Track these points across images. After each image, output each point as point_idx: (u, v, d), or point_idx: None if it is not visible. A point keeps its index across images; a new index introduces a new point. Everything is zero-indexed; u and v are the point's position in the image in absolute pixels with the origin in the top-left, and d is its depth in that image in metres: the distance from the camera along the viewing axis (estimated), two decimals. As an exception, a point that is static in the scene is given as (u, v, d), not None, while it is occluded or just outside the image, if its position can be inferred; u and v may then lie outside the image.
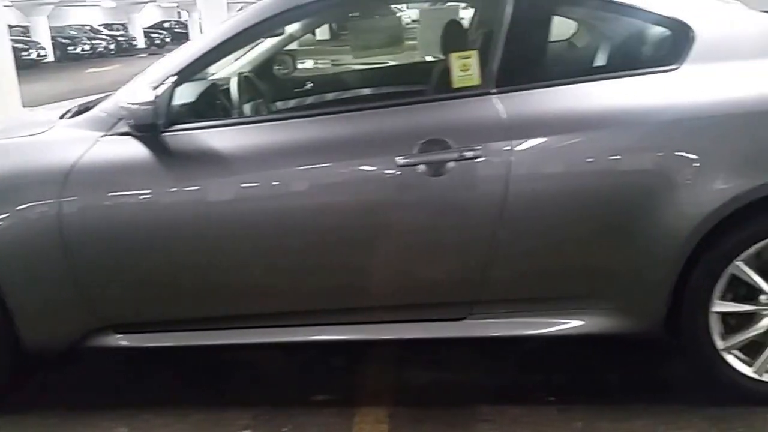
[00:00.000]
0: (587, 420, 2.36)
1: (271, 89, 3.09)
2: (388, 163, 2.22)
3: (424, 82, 2.84)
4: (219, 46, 2.35)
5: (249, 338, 2.40)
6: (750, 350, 2.36)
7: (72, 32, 31.59)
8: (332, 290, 2.37)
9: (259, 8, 2.36)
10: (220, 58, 2.43)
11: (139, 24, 36.89)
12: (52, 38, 28.54)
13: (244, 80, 2.88)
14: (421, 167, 2.21)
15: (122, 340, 2.48)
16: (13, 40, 26.28)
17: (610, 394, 2.50)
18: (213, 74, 3.11)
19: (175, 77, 2.30)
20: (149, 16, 40.95)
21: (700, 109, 2.19)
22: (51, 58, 27.66)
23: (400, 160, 2.22)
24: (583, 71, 2.43)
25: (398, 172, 2.22)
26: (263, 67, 3.39)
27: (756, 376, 2.33)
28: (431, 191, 2.23)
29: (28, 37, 27.93)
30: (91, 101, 2.71)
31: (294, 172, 2.27)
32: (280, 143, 2.31)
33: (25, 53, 25.42)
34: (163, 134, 2.30)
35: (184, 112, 2.51)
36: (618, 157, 2.21)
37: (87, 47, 29.24)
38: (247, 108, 2.77)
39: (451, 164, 2.21)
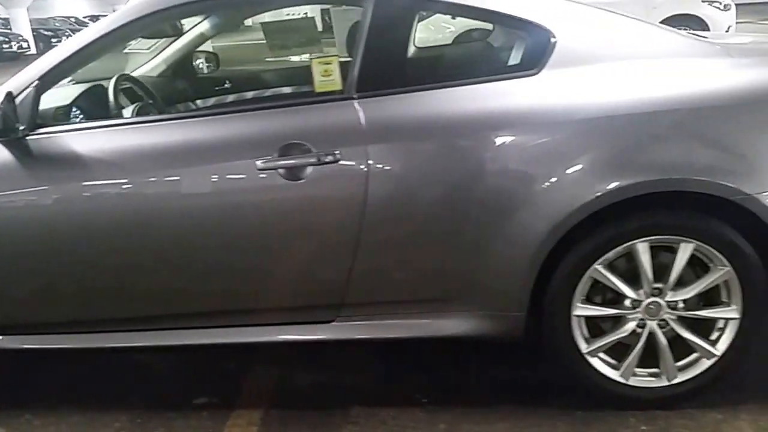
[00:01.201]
0: (451, 422, 2.38)
1: (149, 91, 3.08)
2: (249, 167, 2.23)
3: (295, 86, 2.83)
4: (81, 50, 2.33)
5: (115, 342, 2.41)
6: (621, 354, 2.37)
7: (56, 24, 31.39)
8: (198, 294, 2.37)
9: (121, 12, 2.35)
10: (87, 63, 2.42)
11: (125, 16, 36.58)
12: (35, 30, 28.31)
13: (122, 82, 2.87)
14: (281, 171, 2.22)
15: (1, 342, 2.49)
16: (-8, 33, 26.16)
17: (480, 396, 2.52)
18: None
19: (38, 82, 2.29)
20: (136, 7, 40.61)
21: (555, 113, 2.20)
22: (33, 50, 27.50)
23: (260, 163, 2.22)
24: (444, 76, 2.42)
25: (259, 176, 2.22)
26: (157, 69, 3.39)
27: (622, 380, 2.35)
28: (290, 195, 2.22)
29: (9, 29, 27.76)
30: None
31: (157, 175, 2.26)
32: (145, 146, 2.30)
33: (6, 46, 25.34)
34: (27, 138, 2.30)
35: (59, 115, 2.51)
36: (473, 162, 2.21)
37: (71, 39, 29.01)
38: (120, 110, 2.76)
39: (310, 168, 2.21)
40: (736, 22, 12.65)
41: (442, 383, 2.62)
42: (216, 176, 2.26)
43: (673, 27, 2.47)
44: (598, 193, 2.14)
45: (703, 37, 2.56)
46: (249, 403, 2.54)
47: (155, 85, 3.19)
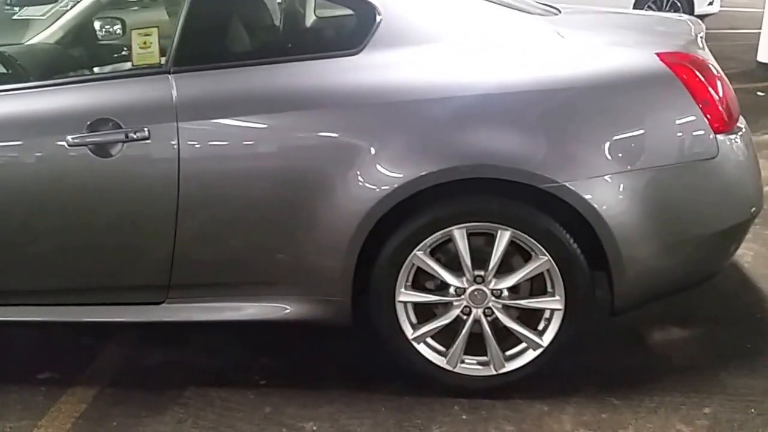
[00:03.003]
0: (278, 405, 2.35)
1: (9, 61, 3.00)
2: (60, 143, 2.18)
3: (118, 60, 2.77)
4: None
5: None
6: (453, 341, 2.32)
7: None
8: (20, 271, 2.34)
9: None
10: None
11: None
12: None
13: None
14: (91, 147, 2.17)
15: None
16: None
17: (315, 379, 2.47)
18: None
19: None
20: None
21: (367, 95, 2.14)
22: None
23: (70, 139, 2.17)
24: (266, 53, 2.35)
25: (69, 153, 2.18)
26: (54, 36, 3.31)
27: (449, 367, 2.30)
28: (102, 173, 2.19)
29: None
30: None
31: None
32: None
33: None
34: None
35: None
36: (288, 142, 2.17)
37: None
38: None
39: (119, 146, 2.16)
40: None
41: (282, 366, 2.59)
42: (31, 151, 2.22)
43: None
44: (407, 179, 2.09)
45: (554, 12, 2.46)
46: (88, 381, 2.52)
47: (30, 55, 3.12)
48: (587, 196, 2.05)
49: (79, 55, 3.24)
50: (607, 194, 2.07)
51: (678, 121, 2.11)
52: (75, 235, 2.28)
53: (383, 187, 2.11)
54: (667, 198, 2.14)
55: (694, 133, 2.11)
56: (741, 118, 2.37)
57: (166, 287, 2.33)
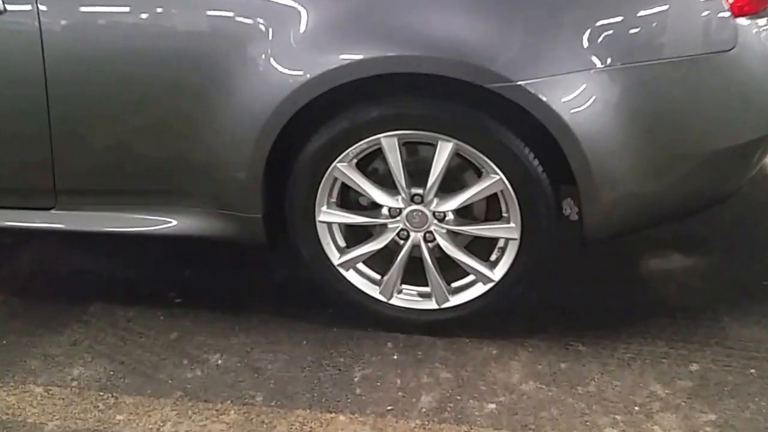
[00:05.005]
0: (187, 330, 2.04)
1: None
2: None
3: None
4: None
5: None
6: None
7: None
8: None
9: None
10: None
11: None
12: None
13: None
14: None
15: None
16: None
17: (236, 303, 2.14)
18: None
19: None
20: None
21: None
22: None
23: None
24: None
25: None
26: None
27: (382, 298, 1.93)
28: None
29: None
30: None
31: None
32: None
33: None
34: None
35: None
36: (176, 16, 1.73)
37: None
38: None
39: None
40: None
41: (205, 282, 2.27)
42: None
43: None
44: (315, 73, 1.63)
45: None
46: (3, 287, 2.27)
47: None
48: (548, 99, 1.55)
49: None
50: (576, 97, 1.56)
51: (679, -1, 1.56)
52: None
53: (286, 85, 1.66)
54: (660, 103, 1.61)
55: (702, 15, 1.55)
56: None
57: (53, 191, 1.99)
